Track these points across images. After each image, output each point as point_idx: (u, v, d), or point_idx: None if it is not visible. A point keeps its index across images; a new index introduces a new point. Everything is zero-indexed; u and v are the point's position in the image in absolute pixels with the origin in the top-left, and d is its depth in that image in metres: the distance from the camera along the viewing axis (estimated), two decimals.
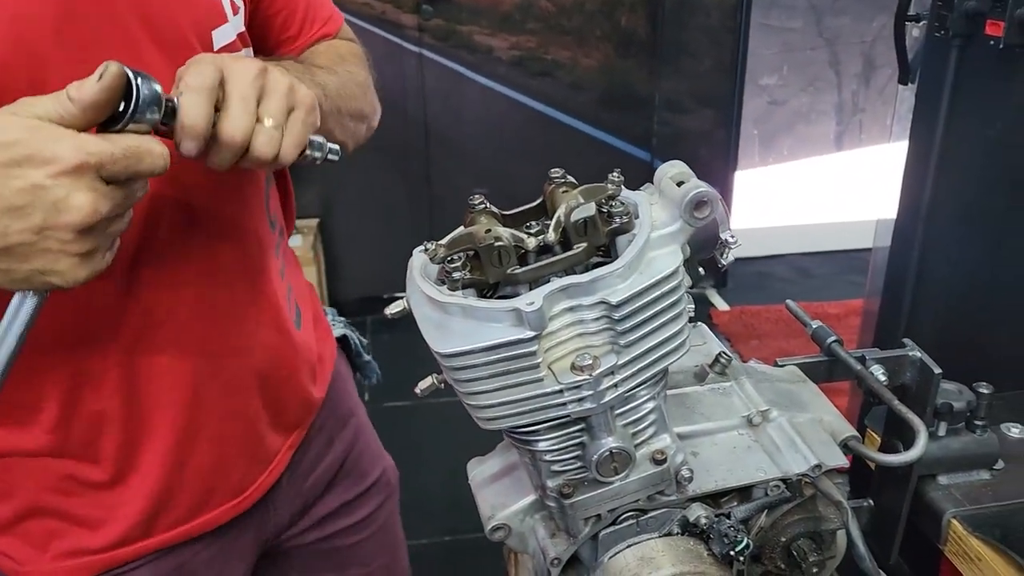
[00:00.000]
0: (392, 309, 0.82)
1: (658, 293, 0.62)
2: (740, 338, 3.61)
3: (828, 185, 4.23)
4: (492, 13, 3.56)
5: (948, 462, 0.91)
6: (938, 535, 0.90)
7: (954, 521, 0.89)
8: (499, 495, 0.74)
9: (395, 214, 3.74)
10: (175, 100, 0.65)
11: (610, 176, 0.65)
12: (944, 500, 0.90)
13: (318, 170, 3.85)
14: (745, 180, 4.04)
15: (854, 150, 4.23)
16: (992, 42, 1.62)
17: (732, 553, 0.68)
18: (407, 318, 0.68)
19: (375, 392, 2.88)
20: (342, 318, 1.26)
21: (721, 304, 3.90)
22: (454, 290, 0.62)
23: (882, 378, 0.84)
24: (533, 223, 0.64)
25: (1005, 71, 1.65)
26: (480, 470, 0.77)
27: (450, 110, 3.69)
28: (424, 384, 0.70)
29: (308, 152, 0.74)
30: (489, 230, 0.61)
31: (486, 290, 0.64)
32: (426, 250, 0.64)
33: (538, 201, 0.66)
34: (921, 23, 1.99)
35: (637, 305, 0.61)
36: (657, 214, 0.65)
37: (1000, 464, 0.93)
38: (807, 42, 4.04)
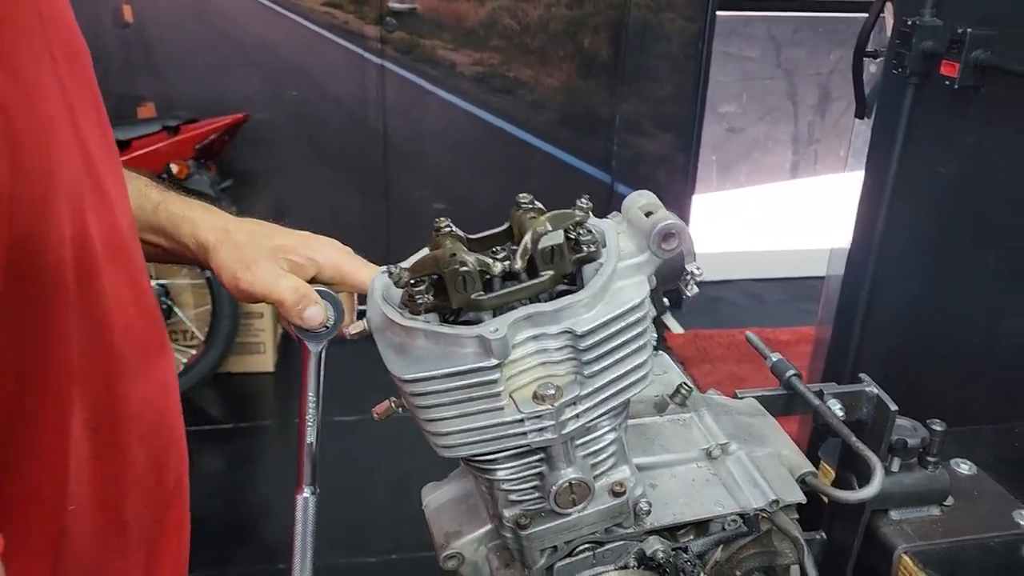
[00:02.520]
0: (353, 330, 0.80)
1: (624, 324, 0.61)
2: (693, 361, 3.64)
3: (783, 213, 4.31)
4: (456, 28, 3.56)
5: (900, 497, 0.92)
6: (888, 570, 0.91)
7: (905, 556, 0.89)
8: (454, 523, 0.72)
9: (350, 228, 3.69)
10: None
11: (578, 202, 0.64)
12: (895, 535, 0.91)
13: (274, 178, 3.80)
14: (702, 204, 4.09)
15: (809, 178, 4.32)
16: (947, 82, 1.66)
17: None
18: None
19: (324, 406, 2.84)
20: None
21: (676, 327, 3.93)
22: (416, 314, 0.61)
23: (839, 413, 0.84)
24: (499, 248, 0.63)
25: (959, 111, 1.69)
26: (435, 496, 0.75)
27: (410, 124, 3.67)
28: (381, 408, 0.68)
29: None
30: (455, 254, 0.60)
31: (449, 315, 0.62)
32: (390, 274, 0.62)
33: (504, 226, 0.65)
34: (879, 60, 2.03)
35: (602, 336, 0.60)
36: (624, 244, 0.64)
37: (950, 500, 0.94)
38: (765, 72, 4.12)
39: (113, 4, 3.28)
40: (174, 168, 3.02)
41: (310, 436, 0.84)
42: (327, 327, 0.83)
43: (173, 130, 3.10)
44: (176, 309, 3.19)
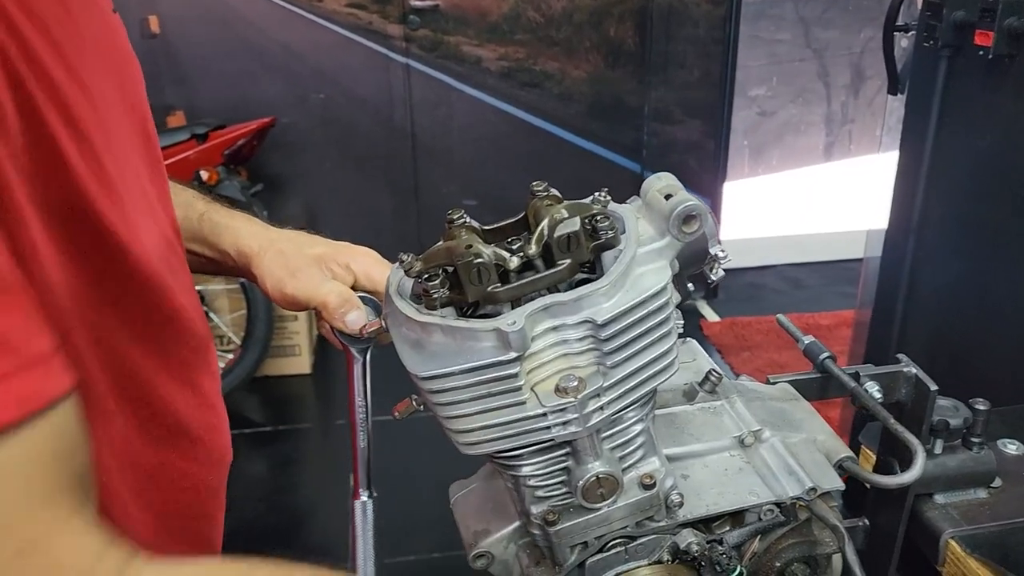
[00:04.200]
0: (369, 327, 0.79)
1: (646, 311, 0.59)
2: (731, 350, 3.59)
3: (818, 195, 4.24)
4: (480, 23, 3.55)
5: (945, 480, 0.89)
6: (936, 556, 0.88)
7: (952, 542, 0.86)
8: (481, 521, 0.71)
9: (382, 225, 3.72)
10: None
11: (596, 195, 0.63)
12: (941, 520, 0.88)
13: (304, 181, 3.84)
14: (735, 191, 4.04)
15: (844, 160, 4.24)
16: (981, 52, 1.61)
17: None
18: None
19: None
20: None
21: (711, 315, 3.89)
22: (432, 308, 0.59)
23: (877, 395, 0.82)
24: (515, 239, 0.61)
25: (994, 81, 1.64)
26: (462, 495, 0.74)
27: (438, 121, 3.67)
28: (402, 406, 0.67)
29: None
30: (470, 246, 0.58)
31: (465, 308, 0.61)
32: (401, 262, 0.61)
33: (520, 216, 0.64)
34: (910, 33, 1.99)
35: (624, 324, 0.58)
36: (644, 229, 0.62)
37: (997, 482, 0.91)
38: (796, 53, 4.05)
39: (140, 16, 3.32)
40: (204, 175, 3.05)
41: (362, 441, 0.84)
42: (366, 335, 0.83)
43: (202, 137, 3.13)
44: (212, 314, 3.22)
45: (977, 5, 1.64)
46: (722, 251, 0.65)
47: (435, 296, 0.59)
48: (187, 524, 0.82)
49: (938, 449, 0.89)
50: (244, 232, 0.90)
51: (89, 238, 0.61)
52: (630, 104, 3.76)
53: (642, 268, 0.60)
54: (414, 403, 0.66)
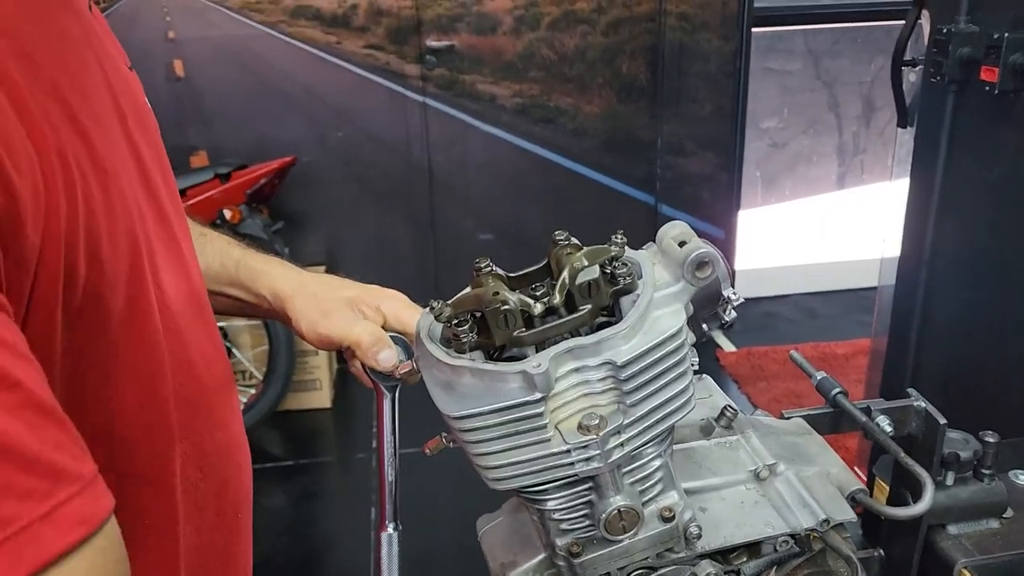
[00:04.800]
0: (401, 369, 0.84)
1: (663, 352, 0.63)
2: (747, 380, 3.60)
3: (832, 224, 4.25)
4: (495, 62, 3.62)
5: (957, 511, 0.91)
6: None
7: (965, 571, 0.89)
8: (508, 553, 0.74)
9: (400, 260, 3.77)
10: None
11: (613, 237, 0.67)
12: (954, 550, 0.90)
13: (324, 218, 3.88)
14: (748, 220, 4.07)
15: (856, 188, 4.26)
16: (987, 87, 1.65)
17: None
18: None
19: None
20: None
21: (728, 346, 3.90)
22: (461, 352, 0.63)
23: (888, 429, 0.85)
24: (539, 285, 0.65)
25: (1000, 116, 1.67)
26: (489, 527, 0.77)
27: (454, 157, 3.73)
28: (432, 443, 0.71)
29: None
30: (497, 293, 0.62)
31: (493, 351, 0.65)
32: (431, 308, 0.65)
33: (543, 263, 0.68)
34: (917, 68, 2.02)
35: (642, 365, 0.62)
36: (660, 274, 0.66)
37: (1009, 512, 0.93)
38: (806, 85, 4.09)
39: (165, 60, 3.42)
40: (227, 214, 3.12)
41: (390, 475, 0.88)
42: (398, 376, 0.88)
43: (225, 177, 3.20)
44: (235, 350, 3.27)
45: (982, 42, 1.68)
46: (734, 293, 0.69)
47: (464, 340, 0.63)
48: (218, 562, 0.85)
49: (950, 481, 0.91)
50: (279, 276, 0.95)
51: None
52: (643, 138, 3.81)
53: (659, 312, 0.64)
54: (444, 441, 0.69)
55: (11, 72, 0.52)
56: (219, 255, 0.95)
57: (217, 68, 3.49)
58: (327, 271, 3.63)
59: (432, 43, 3.54)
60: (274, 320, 1.00)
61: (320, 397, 3.47)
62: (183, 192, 3.12)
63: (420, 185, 3.73)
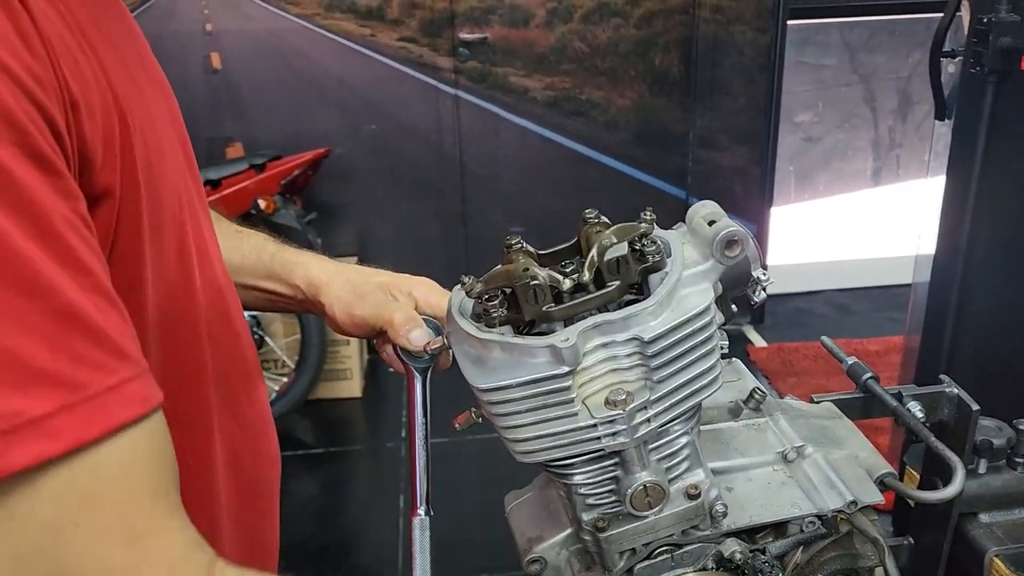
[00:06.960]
0: (433, 344, 0.85)
1: (690, 330, 0.63)
2: (778, 375, 3.58)
3: (866, 220, 4.21)
4: (527, 55, 3.63)
5: (989, 499, 0.91)
6: (980, 574, 0.89)
7: (996, 560, 0.88)
8: (535, 528, 0.75)
9: (431, 252, 3.79)
10: None
11: (642, 214, 0.67)
12: (986, 538, 0.89)
13: (356, 209, 3.92)
14: (781, 216, 4.03)
15: (892, 184, 4.21)
16: None
17: None
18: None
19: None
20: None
21: (759, 341, 3.88)
22: (491, 327, 0.64)
23: (919, 415, 0.84)
24: (568, 262, 0.66)
25: None
26: (516, 504, 0.78)
27: (486, 150, 3.74)
28: (462, 418, 0.72)
29: None
30: (527, 269, 0.63)
31: (522, 327, 0.65)
32: (463, 284, 0.66)
33: (573, 241, 0.68)
34: (956, 59, 2.00)
35: (669, 341, 0.62)
36: (689, 252, 0.67)
37: None
38: (842, 79, 4.05)
39: (202, 53, 3.46)
40: (262, 204, 3.15)
41: (421, 459, 0.88)
42: (430, 352, 0.88)
43: (260, 168, 3.24)
44: (267, 339, 3.32)
45: (1023, 31, 1.65)
46: (764, 274, 0.69)
47: (494, 315, 0.63)
48: (249, 519, 0.87)
49: (982, 468, 0.91)
50: (313, 266, 0.98)
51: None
52: (675, 131, 3.79)
53: (687, 289, 0.64)
54: (473, 415, 0.70)
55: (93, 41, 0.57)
56: (255, 249, 0.99)
57: (253, 61, 3.53)
58: (359, 262, 3.66)
59: (465, 36, 3.55)
60: (306, 313, 1.03)
61: (351, 386, 3.50)
62: (218, 182, 3.16)
63: (452, 177, 3.75)
